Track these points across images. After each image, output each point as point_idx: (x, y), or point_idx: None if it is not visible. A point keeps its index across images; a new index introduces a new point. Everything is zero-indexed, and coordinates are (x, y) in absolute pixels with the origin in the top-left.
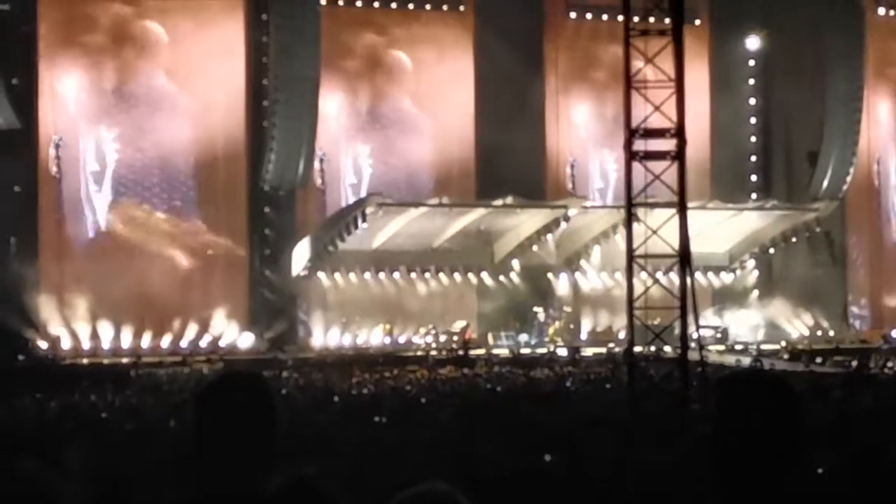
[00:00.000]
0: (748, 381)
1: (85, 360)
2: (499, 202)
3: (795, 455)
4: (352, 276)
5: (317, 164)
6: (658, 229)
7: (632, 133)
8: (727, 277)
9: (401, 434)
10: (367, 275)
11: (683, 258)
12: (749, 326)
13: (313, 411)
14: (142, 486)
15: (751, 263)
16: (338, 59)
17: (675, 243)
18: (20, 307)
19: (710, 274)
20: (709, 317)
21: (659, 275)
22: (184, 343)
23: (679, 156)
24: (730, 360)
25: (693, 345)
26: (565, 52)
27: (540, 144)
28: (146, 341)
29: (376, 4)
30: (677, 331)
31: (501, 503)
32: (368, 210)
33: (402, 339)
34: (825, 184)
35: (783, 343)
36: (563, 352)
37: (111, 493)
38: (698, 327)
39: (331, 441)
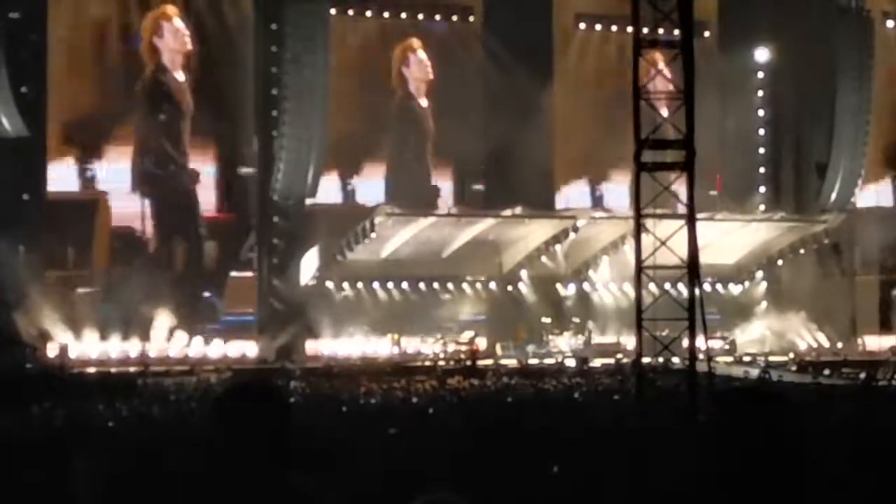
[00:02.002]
0: (745, 396)
1: (92, 369)
2: (508, 212)
3: (795, 468)
4: (360, 285)
5: None
6: (667, 240)
7: (641, 144)
8: (735, 289)
9: (409, 444)
10: (376, 284)
11: (692, 269)
12: (757, 338)
13: (321, 421)
14: (151, 493)
15: (759, 275)
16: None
17: (684, 254)
18: (28, 315)
19: (719, 285)
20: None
21: (667, 286)
22: (191, 352)
23: (688, 167)
24: (738, 371)
25: (701, 356)
26: (574, 63)
27: (549, 155)
28: (154, 350)
29: (386, 14)
30: (686, 342)
31: None
32: (377, 220)
33: (410, 349)
34: (833, 196)
35: (791, 355)
36: (571, 363)
37: (119, 500)
38: (706, 338)
39: (339, 451)
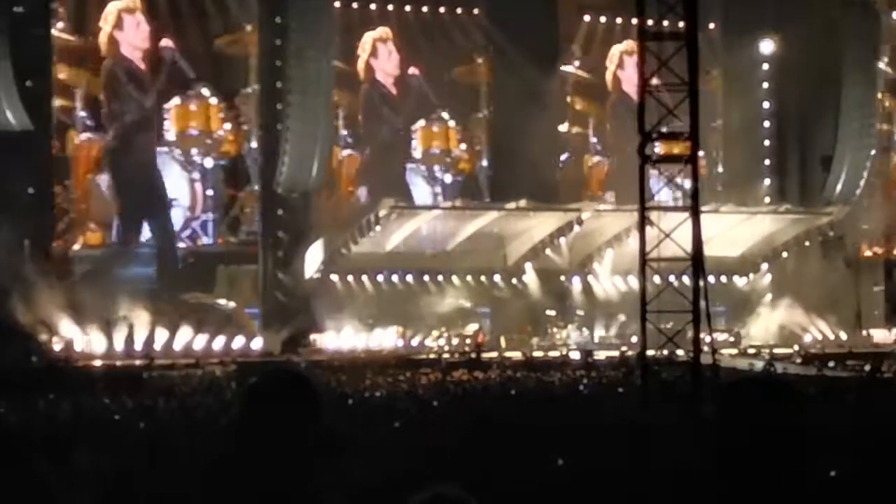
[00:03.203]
0: (754, 386)
1: (98, 362)
2: (512, 205)
3: (802, 459)
4: (365, 278)
5: None
6: (671, 233)
7: (645, 136)
8: (741, 281)
9: (414, 437)
10: (380, 277)
11: (696, 262)
12: (762, 330)
13: (326, 414)
14: (157, 486)
15: (764, 267)
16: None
17: (689, 247)
18: (33, 309)
19: (724, 277)
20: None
21: (672, 278)
22: (196, 345)
23: (692, 159)
24: (742, 363)
25: (706, 348)
26: (579, 55)
27: (553, 147)
28: (159, 343)
29: (390, 7)
30: (690, 334)
31: None
32: (382, 213)
33: (414, 342)
34: (839, 188)
35: (796, 347)
36: (575, 355)
37: (121, 493)
38: (711, 331)
39: (345, 443)
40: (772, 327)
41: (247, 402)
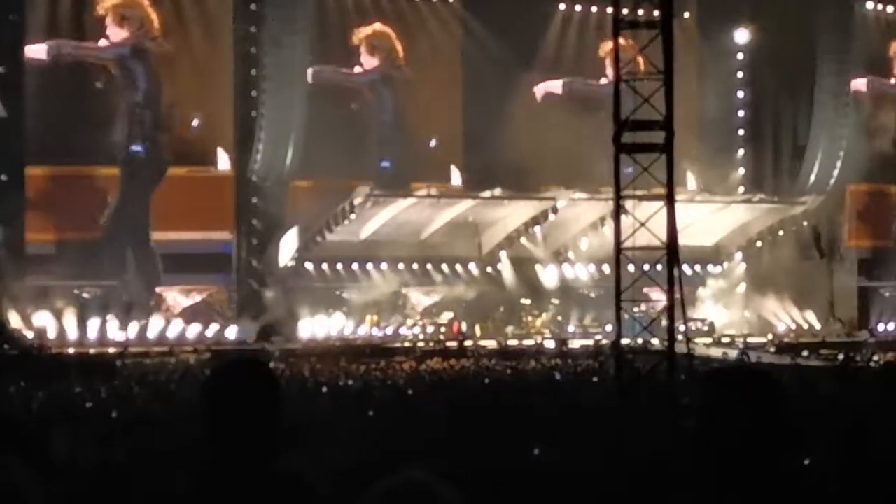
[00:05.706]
0: (734, 376)
1: (71, 350)
2: (487, 193)
3: (781, 448)
4: (339, 266)
5: None
6: (646, 221)
7: (620, 125)
8: (715, 270)
9: (389, 425)
10: (355, 265)
11: (671, 250)
12: (735, 319)
13: (301, 402)
14: (131, 475)
15: (738, 256)
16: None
17: (663, 235)
18: (6, 296)
19: (698, 266)
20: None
21: (646, 267)
22: (171, 333)
23: (667, 148)
24: (717, 352)
25: (680, 337)
26: (554, 43)
27: (528, 135)
28: (133, 331)
29: None
30: (665, 323)
31: (490, 494)
32: (357, 200)
33: (389, 331)
34: (812, 178)
35: (770, 336)
36: (550, 344)
37: (95, 483)
38: (685, 320)
39: (319, 431)
40: (745, 316)
41: (204, 393)
